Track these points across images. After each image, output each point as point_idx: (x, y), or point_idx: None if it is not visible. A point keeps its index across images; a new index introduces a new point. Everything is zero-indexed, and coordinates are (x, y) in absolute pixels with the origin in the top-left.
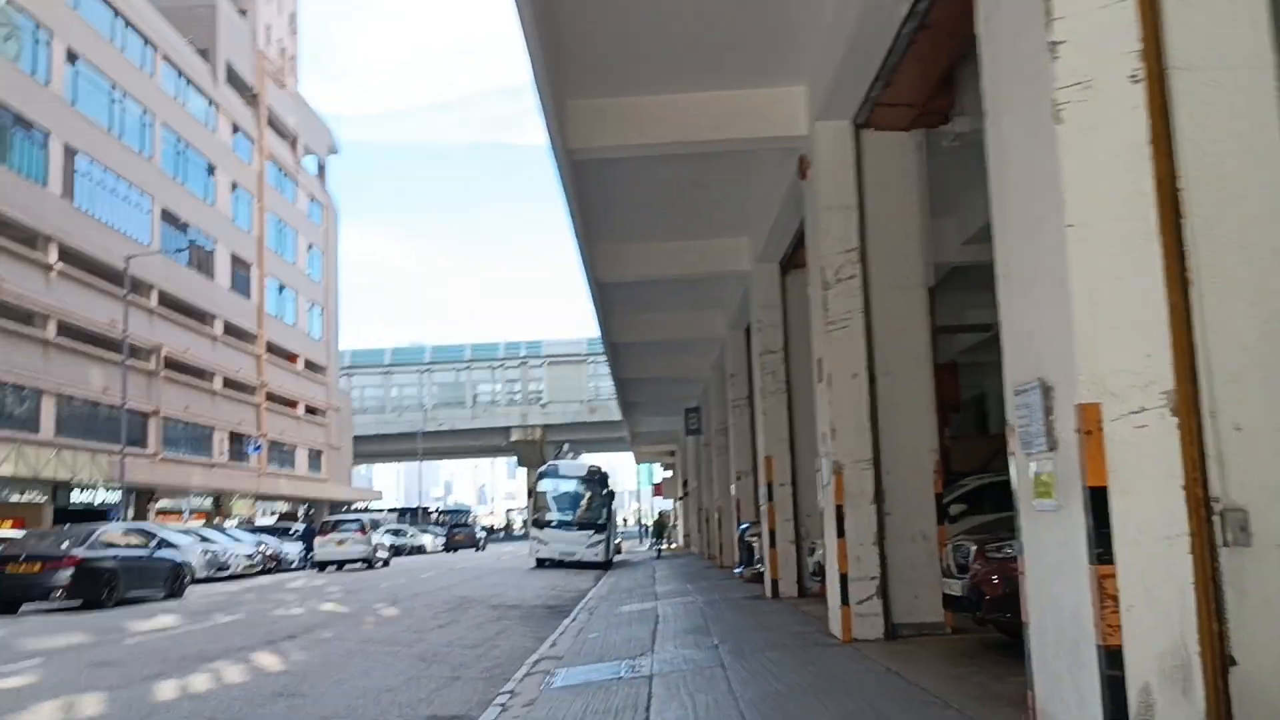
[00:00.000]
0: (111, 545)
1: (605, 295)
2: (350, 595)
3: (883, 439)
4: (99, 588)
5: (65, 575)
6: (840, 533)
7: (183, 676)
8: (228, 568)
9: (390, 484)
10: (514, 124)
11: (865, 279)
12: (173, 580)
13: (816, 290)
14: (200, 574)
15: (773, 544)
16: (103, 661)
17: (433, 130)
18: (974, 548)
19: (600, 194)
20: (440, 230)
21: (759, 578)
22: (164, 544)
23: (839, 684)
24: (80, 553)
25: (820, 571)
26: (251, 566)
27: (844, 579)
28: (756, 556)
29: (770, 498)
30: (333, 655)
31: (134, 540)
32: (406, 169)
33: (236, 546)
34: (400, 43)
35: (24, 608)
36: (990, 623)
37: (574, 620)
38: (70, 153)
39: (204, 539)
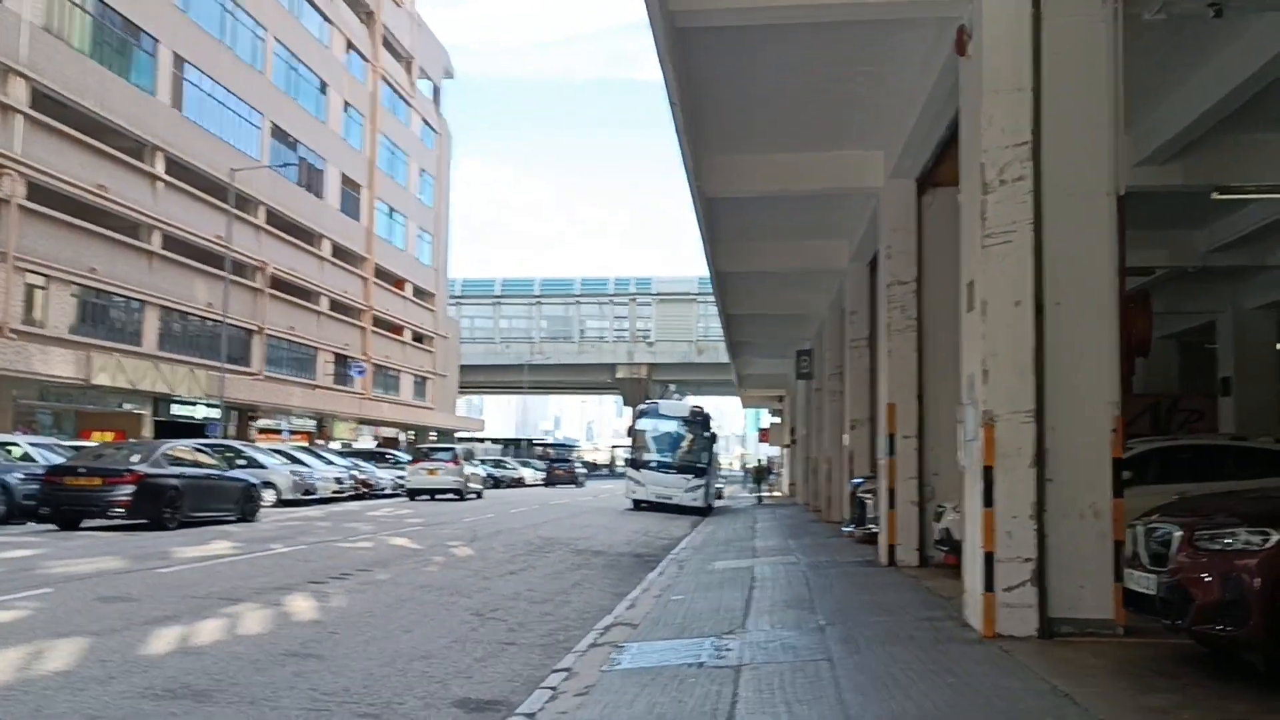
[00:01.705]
0: (179, 462)
1: (712, 215)
2: (428, 529)
3: (1048, 386)
4: (161, 507)
5: (125, 492)
6: (988, 501)
7: (193, 621)
8: (314, 491)
9: (501, 416)
10: (635, 60)
11: (1037, 182)
12: (245, 502)
13: (973, 196)
14: (286, 496)
15: (892, 505)
16: (116, 596)
17: (552, 65)
18: (1179, 533)
19: (709, 88)
20: (556, 165)
21: (871, 539)
22: (250, 463)
23: (991, 709)
24: (142, 469)
25: (948, 540)
26: (340, 491)
27: (989, 559)
28: (870, 516)
29: (891, 451)
30: (378, 603)
31: (204, 459)
32: (525, 103)
33: (327, 470)
34: None
35: (84, 524)
36: (1197, 636)
37: (661, 574)
38: (180, 62)
39: (294, 460)
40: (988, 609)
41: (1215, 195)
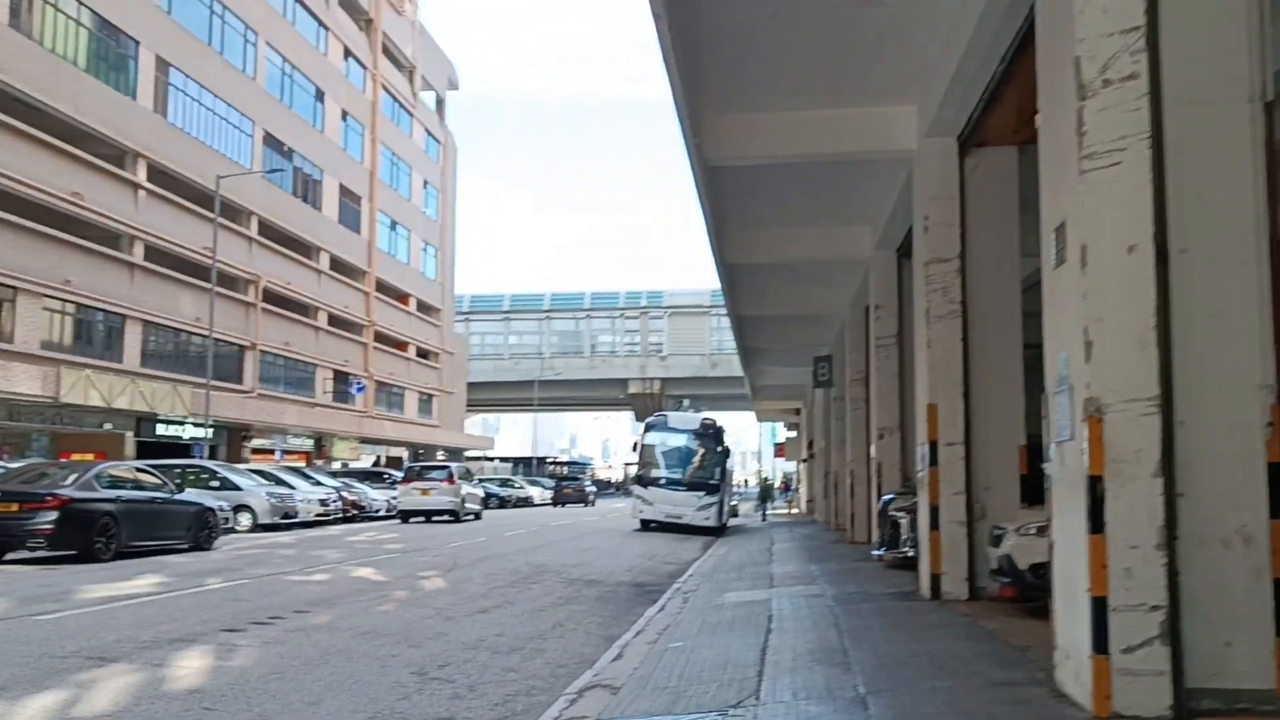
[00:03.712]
0: (118, 484)
1: (716, 192)
2: (403, 557)
3: (1176, 364)
4: (91, 535)
5: (47, 519)
6: (1096, 525)
7: (19, 698)
8: (295, 514)
9: (516, 435)
10: (646, 80)
11: (1155, 83)
12: (199, 528)
13: (1060, 105)
14: (263, 520)
15: (934, 525)
16: None
17: (562, 83)
18: None
19: (709, 26)
20: (566, 182)
21: (905, 564)
22: (224, 484)
23: None
24: (69, 492)
25: (1009, 570)
26: (326, 514)
27: (1100, 607)
28: (904, 537)
29: (933, 461)
30: (296, 658)
31: (148, 480)
32: (531, 123)
33: (311, 492)
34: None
35: (7, 556)
36: None
37: (662, 610)
38: (164, 66)
39: (277, 481)
40: (1099, 678)
41: None
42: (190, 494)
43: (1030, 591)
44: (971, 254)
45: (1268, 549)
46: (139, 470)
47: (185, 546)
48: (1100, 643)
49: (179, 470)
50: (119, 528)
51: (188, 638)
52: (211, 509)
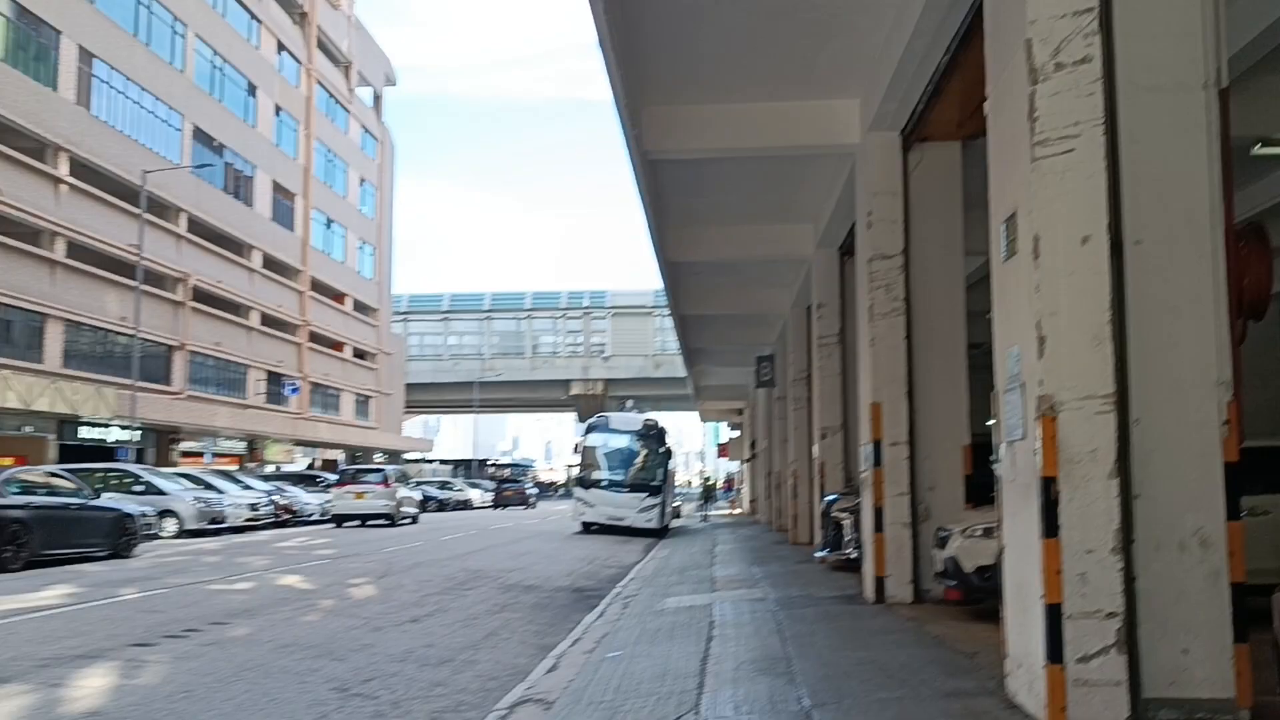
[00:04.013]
0: (30, 490)
1: (657, 186)
2: (334, 564)
3: (1132, 360)
4: None
5: None
6: (1051, 529)
7: None
8: (224, 519)
9: (458, 437)
10: (590, 80)
11: (1109, 67)
12: (118, 535)
13: (1011, 90)
14: (190, 525)
15: (879, 526)
16: None
17: (503, 85)
18: None
19: (647, 14)
20: (508, 184)
21: (848, 567)
22: (149, 489)
23: None
24: None
25: (954, 573)
26: (256, 519)
27: (1054, 614)
28: (847, 539)
29: (877, 461)
30: (208, 675)
31: (63, 485)
32: (474, 123)
33: (241, 496)
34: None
35: None
36: None
37: (601, 616)
38: (87, 56)
39: (205, 485)
40: (1054, 689)
41: (1257, 150)
42: (111, 499)
43: (976, 594)
44: (915, 250)
45: (1225, 552)
46: (53, 475)
47: (104, 554)
48: (1055, 651)
49: (100, 474)
50: (30, 536)
51: (92, 654)
52: (131, 515)
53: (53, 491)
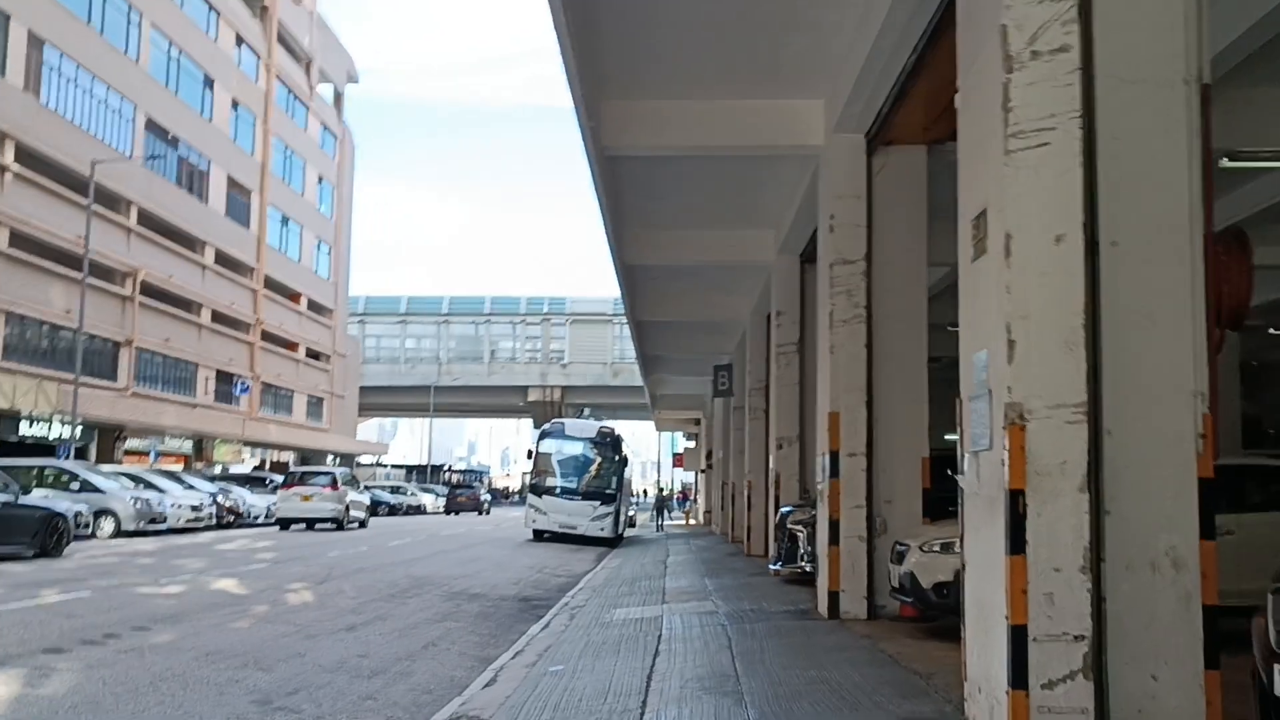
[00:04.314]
0: None
1: (614, 187)
2: (274, 568)
3: (1106, 367)
4: None
5: None
6: (1017, 545)
7: None
8: (163, 519)
9: (413, 441)
10: (550, 85)
11: (1087, 58)
12: (46, 534)
13: (985, 79)
14: (128, 526)
15: (834, 539)
16: None
17: (465, 89)
18: None
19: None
20: (467, 189)
21: (802, 579)
22: (85, 486)
23: None
24: None
25: (912, 589)
26: (198, 520)
27: (1019, 636)
28: (802, 551)
29: (834, 472)
30: (122, 684)
31: None
32: (439, 127)
33: (183, 496)
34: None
35: None
36: None
37: (546, 627)
38: (36, 42)
39: (146, 485)
40: (1017, 715)
41: (1224, 163)
42: (44, 497)
43: (933, 612)
44: (878, 257)
45: (1198, 573)
46: None
47: (30, 554)
48: (1019, 676)
49: (35, 472)
50: None
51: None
52: (61, 514)
53: None
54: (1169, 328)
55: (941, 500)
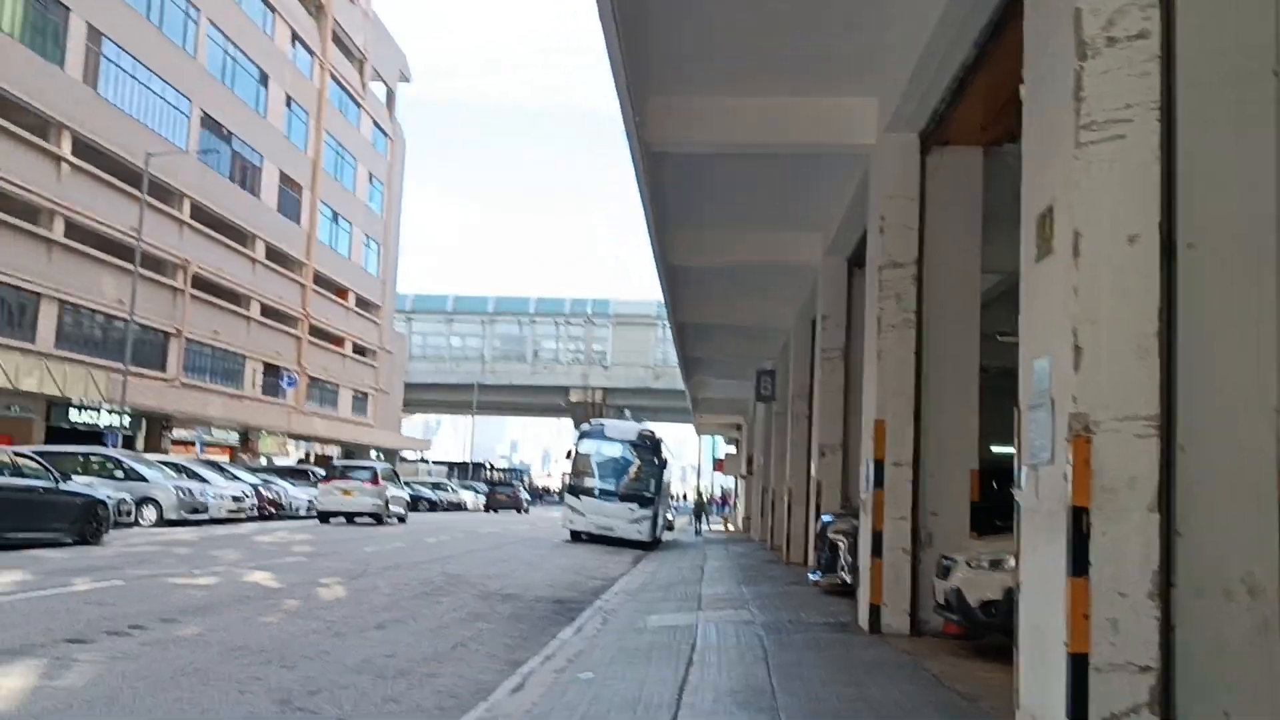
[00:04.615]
0: None
1: (659, 185)
2: (309, 561)
3: (1180, 377)
4: None
5: None
6: (1079, 567)
7: None
8: (205, 509)
9: (457, 438)
10: (597, 87)
11: (1168, 46)
12: (86, 521)
13: (1054, 68)
14: (170, 515)
15: (876, 551)
16: None
17: (507, 88)
18: None
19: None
20: (508, 190)
21: (842, 591)
22: (129, 474)
23: None
24: None
25: (957, 605)
26: (239, 511)
27: (1080, 665)
28: (842, 562)
29: (878, 482)
30: (142, 678)
31: (28, 465)
32: (475, 127)
33: (225, 487)
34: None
35: None
36: None
37: (578, 631)
38: (95, 35)
39: (190, 474)
40: None
41: None
42: (86, 484)
43: (979, 630)
44: (929, 260)
45: (1276, 601)
46: (18, 456)
47: (70, 541)
48: (1078, 708)
49: (81, 459)
50: None
51: (19, 649)
52: (102, 501)
53: (18, 473)
54: (1251, 336)
55: (989, 514)
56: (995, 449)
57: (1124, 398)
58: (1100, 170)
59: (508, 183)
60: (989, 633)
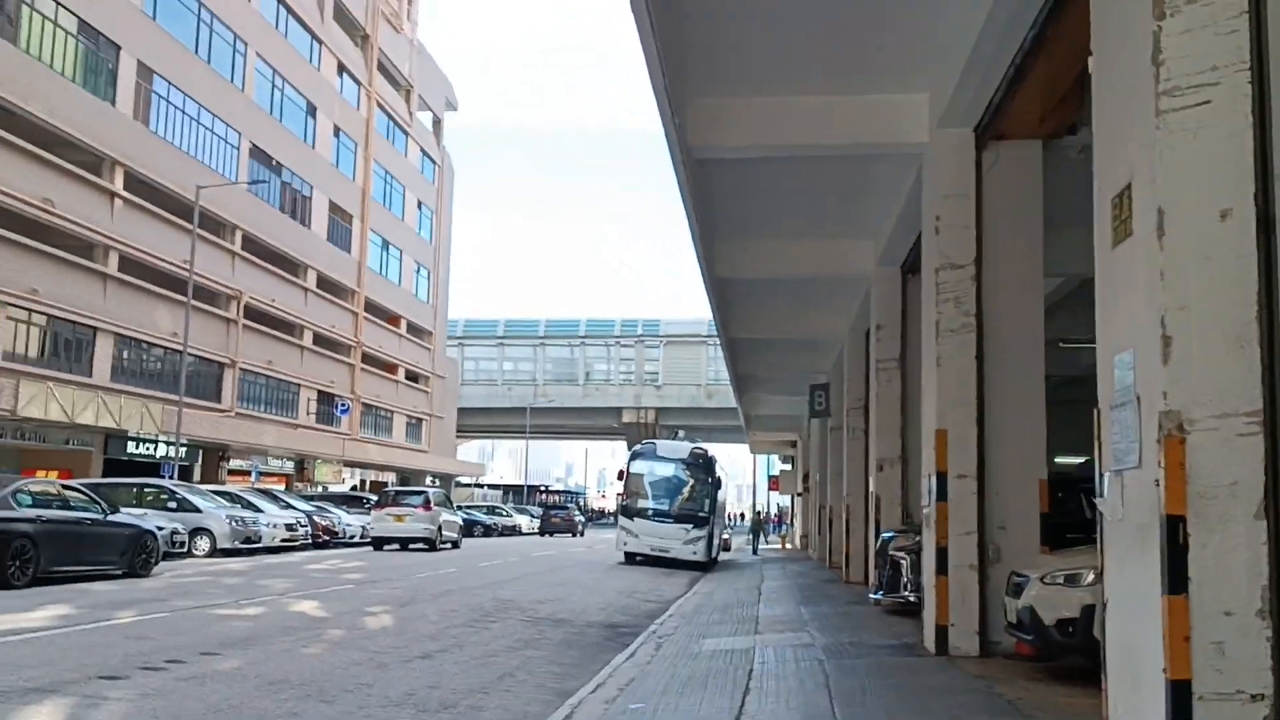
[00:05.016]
0: (43, 502)
1: (703, 194)
2: (358, 589)
3: None
4: (5, 559)
5: None
6: (1177, 584)
7: None
8: (258, 539)
9: (511, 463)
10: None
11: (1257, 3)
12: (135, 553)
13: (1131, 29)
14: (223, 544)
15: (941, 568)
16: None
17: (555, 114)
18: None
19: None
20: (562, 213)
21: (905, 609)
22: (182, 505)
23: None
24: None
25: (1031, 625)
26: (292, 539)
27: (1181, 693)
28: (905, 580)
29: (941, 495)
30: (169, 718)
31: (77, 497)
32: (526, 152)
33: (278, 515)
34: (516, 23)
35: None
36: None
37: (631, 658)
38: (146, 73)
39: (243, 504)
40: None
41: None
42: (139, 515)
43: (1054, 651)
44: (988, 261)
45: None
46: (66, 488)
47: (119, 572)
48: None
49: (134, 489)
50: (37, 551)
51: (49, 687)
52: (151, 532)
53: (66, 505)
54: None
55: (1061, 527)
56: (1059, 460)
57: (1221, 392)
58: (1185, 140)
59: (552, 205)
60: (1066, 654)
